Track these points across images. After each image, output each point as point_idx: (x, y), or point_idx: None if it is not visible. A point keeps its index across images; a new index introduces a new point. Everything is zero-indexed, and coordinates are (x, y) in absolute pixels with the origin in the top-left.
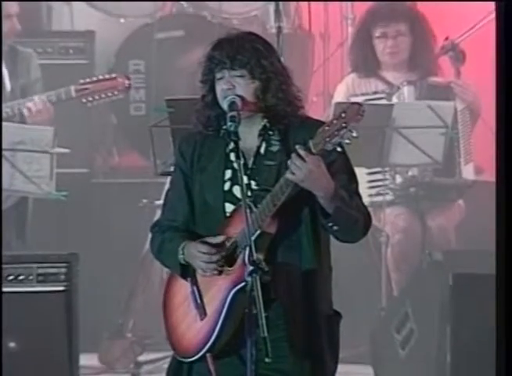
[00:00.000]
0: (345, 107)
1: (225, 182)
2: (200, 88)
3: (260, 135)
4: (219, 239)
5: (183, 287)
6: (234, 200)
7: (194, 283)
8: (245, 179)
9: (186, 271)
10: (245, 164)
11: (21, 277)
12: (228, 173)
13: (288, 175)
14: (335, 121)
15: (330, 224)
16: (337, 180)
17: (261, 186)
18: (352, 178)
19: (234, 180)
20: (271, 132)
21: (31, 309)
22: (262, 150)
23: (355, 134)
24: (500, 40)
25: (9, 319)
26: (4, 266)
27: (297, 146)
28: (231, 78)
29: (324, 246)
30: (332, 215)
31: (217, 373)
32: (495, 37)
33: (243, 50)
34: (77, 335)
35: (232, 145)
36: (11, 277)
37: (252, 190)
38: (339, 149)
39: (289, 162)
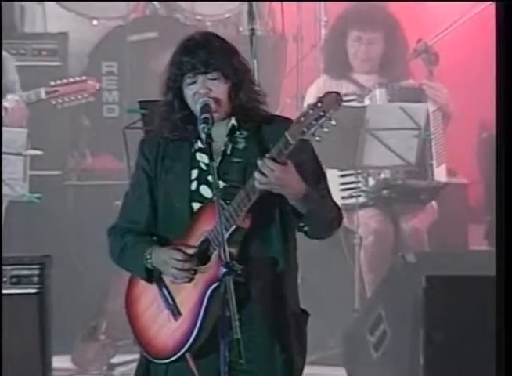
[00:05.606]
0: (321, 97)
1: (191, 181)
2: (164, 94)
3: (228, 134)
4: (192, 250)
5: (147, 289)
6: (201, 200)
7: (163, 285)
8: (212, 178)
9: (151, 275)
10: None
11: None
12: (195, 173)
13: (256, 184)
14: (311, 111)
15: (302, 224)
16: (307, 179)
17: (228, 183)
18: (322, 177)
19: (201, 180)
20: (238, 131)
21: (4, 311)
22: (229, 149)
23: (333, 122)
24: (500, 40)
25: None
26: None
27: (265, 156)
28: (206, 82)
29: (292, 242)
30: (304, 216)
31: (199, 372)
32: (496, 38)
33: (214, 53)
34: (50, 337)
35: (198, 145)
36: None
37: (220, 189)
38: (317, 138)
39: (255, 172)
